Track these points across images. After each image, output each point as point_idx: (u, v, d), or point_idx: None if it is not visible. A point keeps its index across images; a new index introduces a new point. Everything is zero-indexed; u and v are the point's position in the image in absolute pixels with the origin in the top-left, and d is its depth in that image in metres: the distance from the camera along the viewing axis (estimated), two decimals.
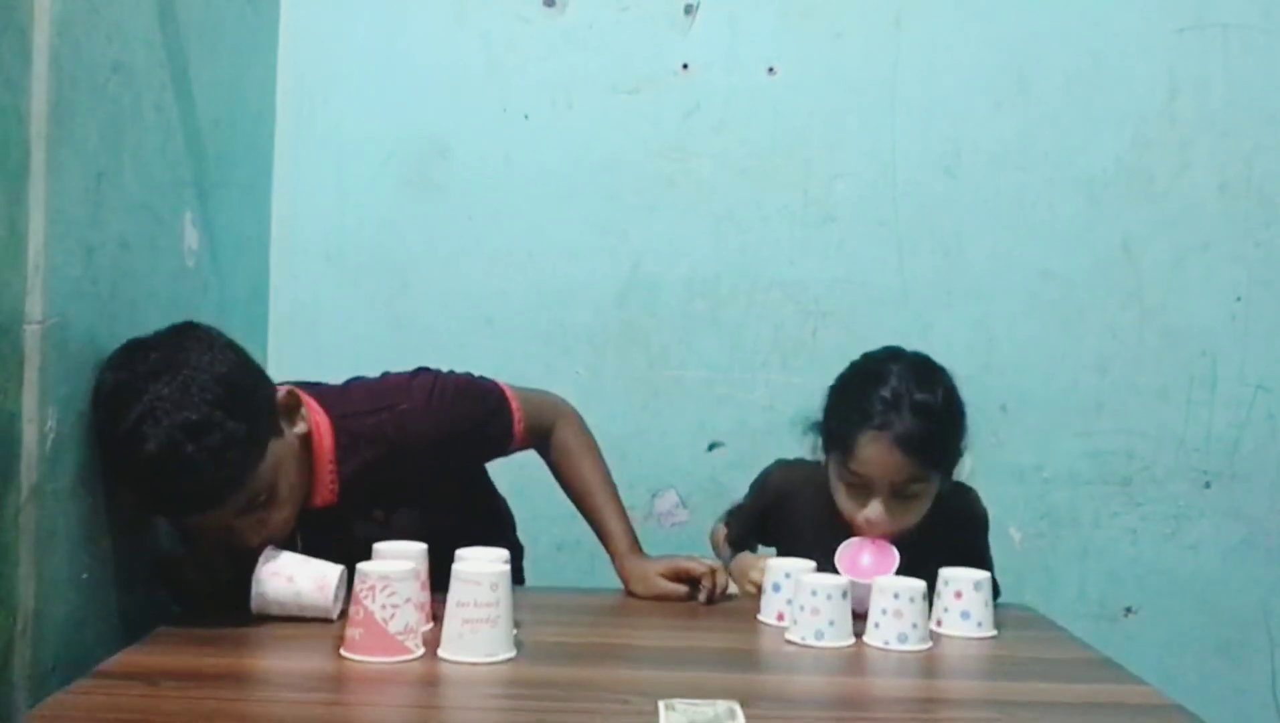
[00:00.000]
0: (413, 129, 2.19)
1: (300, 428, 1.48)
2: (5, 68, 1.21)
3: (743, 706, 1.17)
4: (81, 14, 1.35)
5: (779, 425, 2.22)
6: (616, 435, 2.16)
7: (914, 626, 1.43)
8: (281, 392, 1.46)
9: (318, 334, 2.17)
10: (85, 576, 1.40)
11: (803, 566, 1.55)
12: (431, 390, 1.59)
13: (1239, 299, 2.23)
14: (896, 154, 2.22)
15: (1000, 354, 2.22)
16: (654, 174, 2.21)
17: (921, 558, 1.59)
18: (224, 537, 1.43)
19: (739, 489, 2.20)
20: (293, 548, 1.48)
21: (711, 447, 2.24)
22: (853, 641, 1.44)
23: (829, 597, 1.43)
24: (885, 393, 1.57)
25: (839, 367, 2.19)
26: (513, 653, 1.32)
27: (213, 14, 1.80)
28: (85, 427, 1.39)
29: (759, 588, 1.61)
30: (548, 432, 1.72)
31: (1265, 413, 2.23)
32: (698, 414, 2.23)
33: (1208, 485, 2.24)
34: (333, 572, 1.44)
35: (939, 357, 2.17)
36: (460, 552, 1.41)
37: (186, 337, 1.39)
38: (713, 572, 1.64)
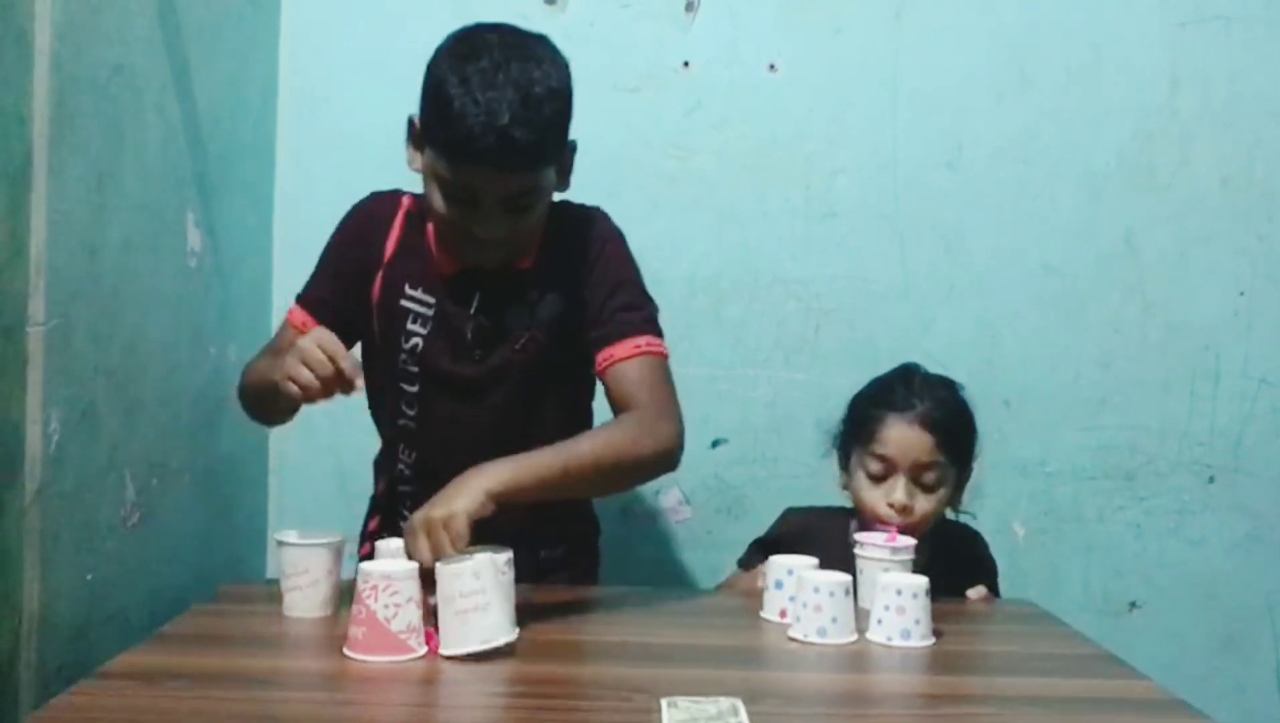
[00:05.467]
0: None
1: (564, 187, 1.57)
2: (6, 70, 1.22)
3: (746, 703, 1.17)
4: (82, 16, 1.35)
5: (782, 422, 2.24)
6: None
7: (916, 622, 1.43)
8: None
9: None
10: (89, 577, 1.41)
11: (805, 562, 1.55)
12: (620, 233, 1.66)
13: (1242, 293, 2.22)
14: (898, 149, 2.22)
15: (1003, 349, 2.22)
16: (655, 171, 2.21)
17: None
18: (472, 223, 1.47)
19: (742, 487, 2.22)
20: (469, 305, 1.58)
21: (715, 444, 2.24)
22: (855, 637, 1.44)
23: (831, 594, 1.43)
24: (905, 380, 1.76)
25: (842, 363, 2.21)
26: (513, 636, 1.31)
27: (213, 14, 1.80)
28: (89, 428, 1.40)
29: None
30: (622, 408, 1.54)
31: (1269, 407, 2.23)
32: (700, 411, 2.22)
33: (1211, 480, 2.24)
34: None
35: (942, 352, 2.20)
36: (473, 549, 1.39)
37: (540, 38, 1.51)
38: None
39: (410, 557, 1.36)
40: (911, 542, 1.62)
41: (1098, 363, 2.23)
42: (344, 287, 1.63)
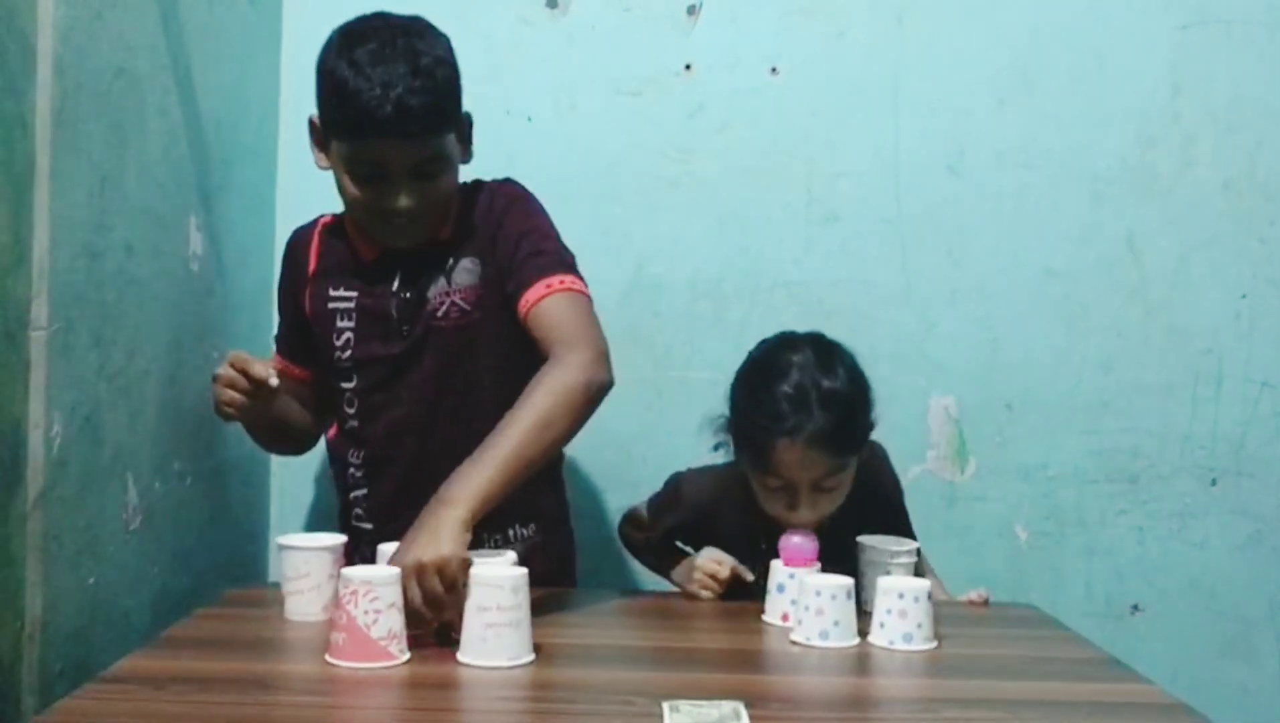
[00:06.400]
0: None
1: (467, 159, 1.64)
2: (9, 75, 1.22)
3: (748, 706, 1.17)
4: (85, 20, 1.36)
5: None
6: (621, 436, 2.17)
7: (919, 625, 1.43)
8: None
9: None
10: (91, 581, 1.41)
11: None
12: (527, 192, 1.70)
13: (1244, 296, 2.22)
14: (900, 153, 2.22)
15: (1005, 353, 2.22)
16: (657, 175, 2.21)
17: (842, 524, 1.62)
18: (384, 198, 1.54)
19: None
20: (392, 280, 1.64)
21: (716, 447, 2.23)
22: (857, 641, 1.45)
23: (833, 597, 1.43)
24: (789, 391, 1.56)
25: None
26: (533, 657, 1.32)
27: (215, 18, 1.80)
28: (92, 431, 1.40)
29: (713, 576, 1.63)
30: (546, 350, 1.54)
31: (1271, 410, 2.23)
32: (702, 415, 2.22)
33: (1214, 483, 2.24)
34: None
35: (943, 356, 2.20)
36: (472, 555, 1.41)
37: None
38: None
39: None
40: (915, 545, 1.62)
41: (1100, 366, 2.23)
42: (292, 319, 1.74)
